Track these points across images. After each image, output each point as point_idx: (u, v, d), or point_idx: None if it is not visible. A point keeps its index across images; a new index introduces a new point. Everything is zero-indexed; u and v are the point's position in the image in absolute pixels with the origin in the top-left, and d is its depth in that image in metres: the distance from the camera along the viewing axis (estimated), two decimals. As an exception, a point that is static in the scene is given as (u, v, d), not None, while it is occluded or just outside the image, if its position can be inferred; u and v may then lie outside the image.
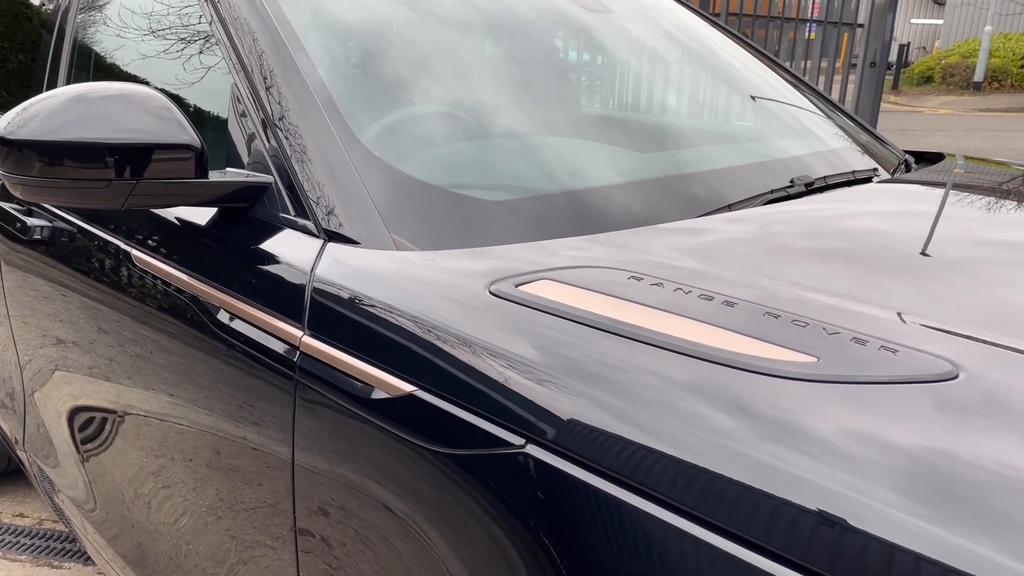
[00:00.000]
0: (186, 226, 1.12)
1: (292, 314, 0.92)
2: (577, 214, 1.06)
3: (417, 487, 0.77)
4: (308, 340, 0.89)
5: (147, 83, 1.35)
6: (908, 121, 12.45)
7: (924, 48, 22.00)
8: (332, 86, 1.11)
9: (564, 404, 0.67)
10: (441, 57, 1.30)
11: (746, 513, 0.55)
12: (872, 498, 0.52)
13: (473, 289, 0.82)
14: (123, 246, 1.22)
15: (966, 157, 1.71)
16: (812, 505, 0.53)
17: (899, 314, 0.75)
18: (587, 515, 0.63)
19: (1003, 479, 0.52)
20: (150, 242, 1.18)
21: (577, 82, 1.65)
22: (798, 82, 1.77)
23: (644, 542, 0.59)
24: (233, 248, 1.05)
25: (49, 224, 1.45)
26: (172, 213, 1.15)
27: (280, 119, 1.06)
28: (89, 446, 1.44)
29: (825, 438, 0.57)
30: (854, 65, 7.18)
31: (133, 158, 0.97)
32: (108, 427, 1.34)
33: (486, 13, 1.45)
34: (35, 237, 1.47)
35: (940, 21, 21.19)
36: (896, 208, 1.27)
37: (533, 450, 0.68)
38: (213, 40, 1.23)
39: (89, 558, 2.08)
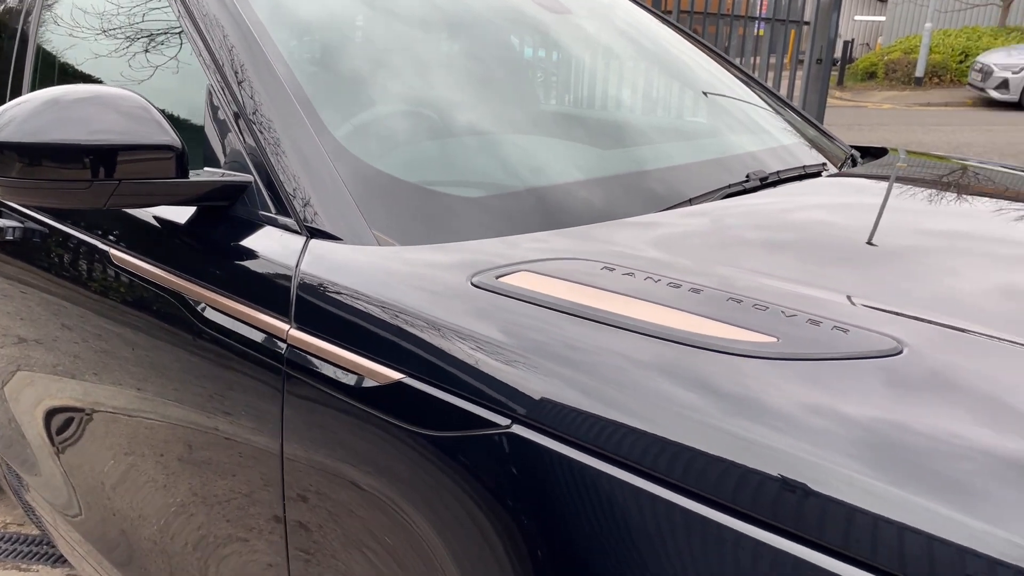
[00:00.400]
0: (167, 225, 1.14)
1: (278, 308, 0.95)
2: (546, 210, 1.11)
3: (407, 471, 0.81)
4: (295, 333, 0.93)
5: (120, 85, 1.36)
6: (853, 116, 12.80)
7: (867, 45, 22.59)
8: (308, 87, 1.14)
9: (547, 386, 0.72)
10: (413, 56, 1.34)
11: (716, 478, 0.61)
12: (824, 460, 0.58)
13: (456, 281, 0.87)
14: (100, 245, 1.23)
15: (908, 152, 1.81)
16: (773, 470, 0.59)
17: (849, 297, 0.82)
18: (570, 488, 0.68)
19: (940, 443, 0.59)
20: (129, 241, 1.19)
21: (543, 82, 1.70)
22: (750, 80, 1.84)
23: (624, 510, 0.65)
24: (216, 246, 1.07)
25: (20, 225, 1.45)
26: (151, 213, 1.17)
27: (256, 119, 1.09)
28: (71, 445, 1.45)
29: (783, 410, 0.63)
30: (801, 61, 7.38)
31: (115, 159, 1.00)
32: (87, 424, 1.35)
33: (456, 12, 1.49)
34: (6, 238, 1.47)
35: (882, 18, 21.80)
36: (844, 201, 1.34)
37: (519, 430, 0.73)
38: (184, 41, 1.25)
39: (59, 559, 2.08)
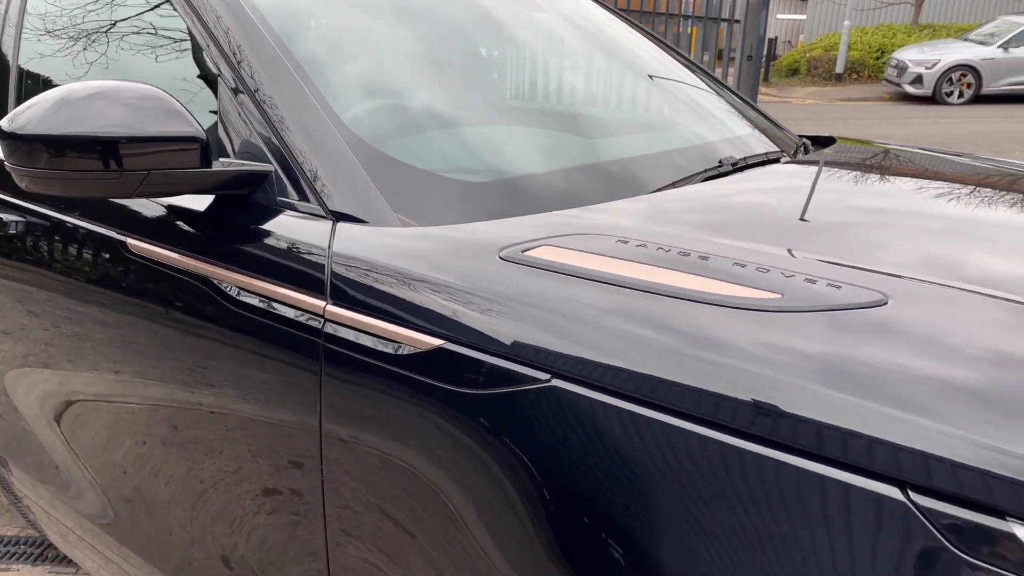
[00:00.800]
0: (187, 214, 1.19)
1: (313, 287, 1.02)
2: (547, 194, 1.21)
3: (449, 431, 0.89)
4: (333, 308, 1.00)
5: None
6: (779, 111, 13.29)
7: (789, 42, 23.39)
8: (319, 78, 1.21)
9: (583, 342, 0.82)
10: (419, 48, 1.42)
11: (751, 413, 0.72)
12: (813, 383, 0.70)
13: (485, 255, 0.95)
14: (115, 236, 1.27)
15: (853, 140, 1.97)
16: (799, 401, 0.70)
17: (834, 262, 0.93)
18: (610, 431, 0.78)
19: (919, 369, 0.71)
20: (148, 231, 1.24)
21: (538, 77, 1.80)
22: (711, 78, 1.98)
23: (657, 446, 0.75)
24: (242, 230, 1.13)
25: (22, 219, 1.47)
26: (169, 203, 1.22)
27: (272, 111, 1.16)
28: (93, 435, 1.46)
29: (793, 349, 0.74)
30: (732, 59, 7.67)
31: (145, 150, 1.05)
32: (109, 412, 1.39)
33: (459, 8, 1.58)
34: (10, 232, 1.49)
35: (803, 17, 22.61)
36: (805, 183, 1.48)
37: (559, 383, 0.82)
38: (193, 37, 1.30)
39: (39, 557, 2.07)
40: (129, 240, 1.25)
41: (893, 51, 16.13)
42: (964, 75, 13.92)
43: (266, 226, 1.11)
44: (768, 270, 0.89)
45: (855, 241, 1.07)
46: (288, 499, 1.09)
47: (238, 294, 1.09)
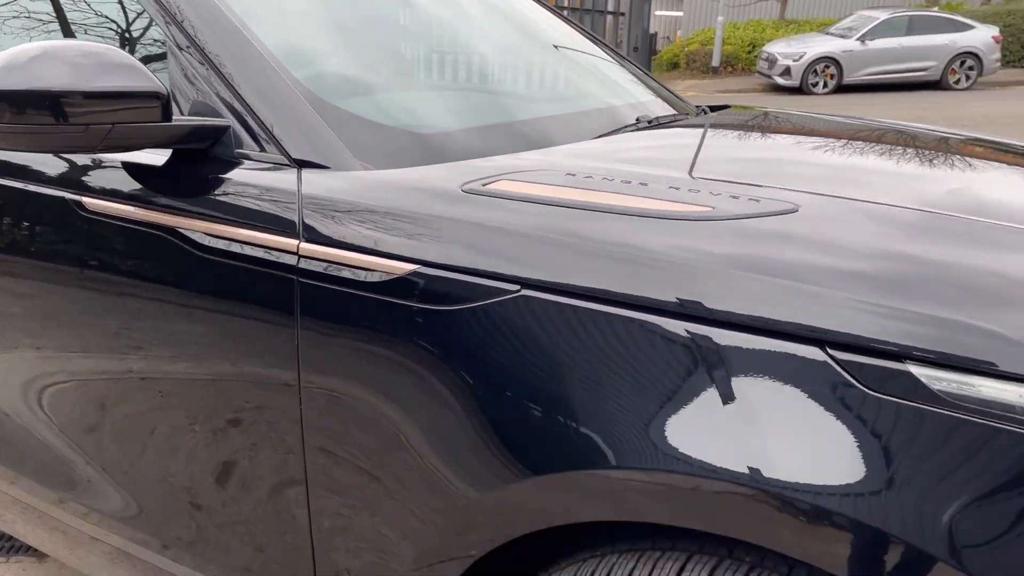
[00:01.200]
0: (147, 169, 1.23)
1: (286, 228, 1.09)
2: (490, 143, 1.32)
3: (427, 348, 0.99)
4: (306, 245, 1.07)
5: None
6: (663, 102, 13.85)
7: (668, 38, 24.34)
8: (270, 39, 1.27)
9: (549, 255, 0.94)
10: (361, 10, 1.50)
11: (682, 295, 0.85)
12: (748, 272, 0.84)
13: (449, 188, 1.06)
14: (69, 196, 1.29)
15: (745, 106, 2.18)
16: (714, 286, 0.85)
17: (747, 183, 1.09)
18: (577, 330, 0.90)
19: (826, 255, 0.87)
20: (104, 189, 1.26)
21: (472, 44, 1.91)
22: (625, 59, 2.16)
23: (616, 336, 0.88)
24: (210, 181, 1.18)
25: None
26: (124, 159, 1.25)
27: (226, 70, 1.21)
28: (67, 403, 1.45)
29: (730, 246, 0.89)
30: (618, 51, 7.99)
31: (108, 104, 1.09)
32: (78, 380, 1.39)
33: None
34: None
35: (680, 13, 23.58)
36: (714, 132, 1.65)
37: (528, 292, 0.94)
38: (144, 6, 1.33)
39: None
40: (85, 199, 1.27)
41: (763, 45, 17.08)
42: (827, 66, 14.92)
43: (232, 175, 1.17)
44: (698, 191, 1.03)
45: (763, 172, 1.23)
46: (270, 437, 1.16)
47: (209, 242, 1.15)
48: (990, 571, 0.72)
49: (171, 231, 1.18)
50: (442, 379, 0.99)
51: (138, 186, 1.24)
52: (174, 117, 1.22)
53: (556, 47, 1.98)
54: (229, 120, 1.20)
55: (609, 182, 1.07)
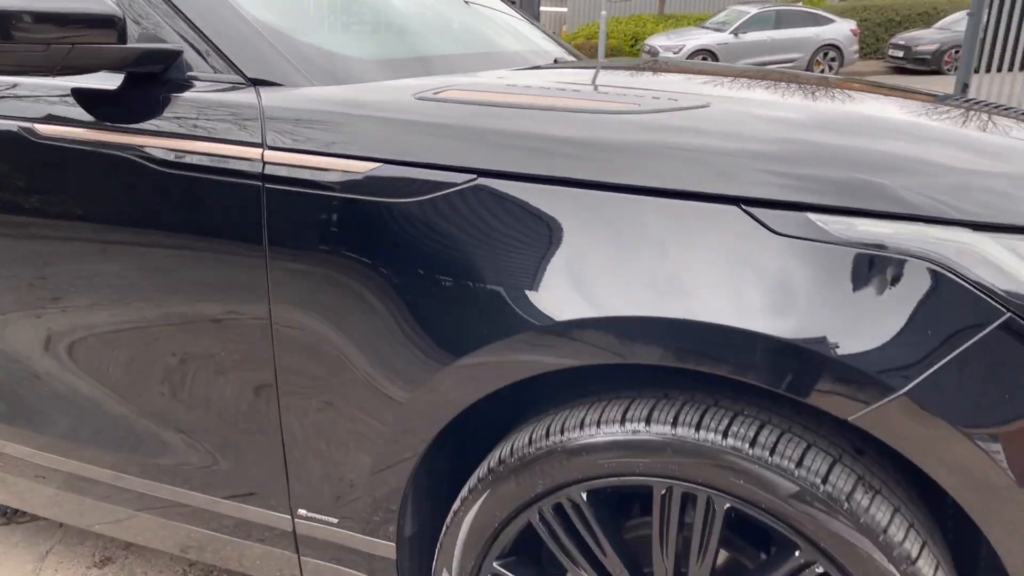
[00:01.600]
0: (101, 94, 1.27)
1: (249, 139, 1.17)
2: (435, 66, 1.44)
3: (391, 240, 1.09)
4: (270, 153, 1.16)
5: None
6: (553, 93, 14.20)
7: (555, 32, 24.87)
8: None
9: (498, 148, 1.07)
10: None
11: (619, 170, 1.00)
12: (675, 149, 1.00)
13: (403, 97, 1.17)
14: (20, 124, 1.31)
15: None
16: (648, 162, 1.00)
17: (664, 91, 1.25)
18: (529, 210, 1.04)
19: (736, 136, 1.03)
20: (57, 115, 1.29)
21: None
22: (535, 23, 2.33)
23: (562, 211, 1.02)
24: (169, 101, 1.23)
25: None
26: (75, 85, 1.29)
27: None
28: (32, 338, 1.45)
29: (660, 133, 1.04)
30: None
31: (67, 25, 1.14)
32: (42, 310, 1.40)
33: None
34: None
35: (565, 9, 24.13)
36: (615, 66, 1.83)
37: (483, 181, 1.06)
38: None
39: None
40: (38, 126, 1.30)
41: (645, 38, 17.75)
42: (705, 58, 15.69)
43: (190, 96, 1.23)
44: (624, 94, 1.18)
45: (673, 86, 1.41)
46: (242, 347, 1.23)
47: (175, 158, 1.21)
48: (871, 355, 0.90)
49: (136, 151, 1.23)
50: (403, 272, 1.09)
51: (94, 110, 1.28)
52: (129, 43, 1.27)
53: (485, 8, 2.13)
54: (182, 45, 1.27)
55: (546, 90, 1.20)
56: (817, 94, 1.53)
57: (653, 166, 1.01)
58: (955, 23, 14.73)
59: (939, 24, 16.50)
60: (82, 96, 1.29)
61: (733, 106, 1.19)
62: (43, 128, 1.30)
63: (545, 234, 1.03)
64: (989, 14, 7.42)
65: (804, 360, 0.92)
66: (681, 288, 0.96)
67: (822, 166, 0.98)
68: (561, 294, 1.01)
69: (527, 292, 1.03)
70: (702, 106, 1.14)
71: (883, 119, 1.20)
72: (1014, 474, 0.88)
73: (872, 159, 0.99)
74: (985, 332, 0.88)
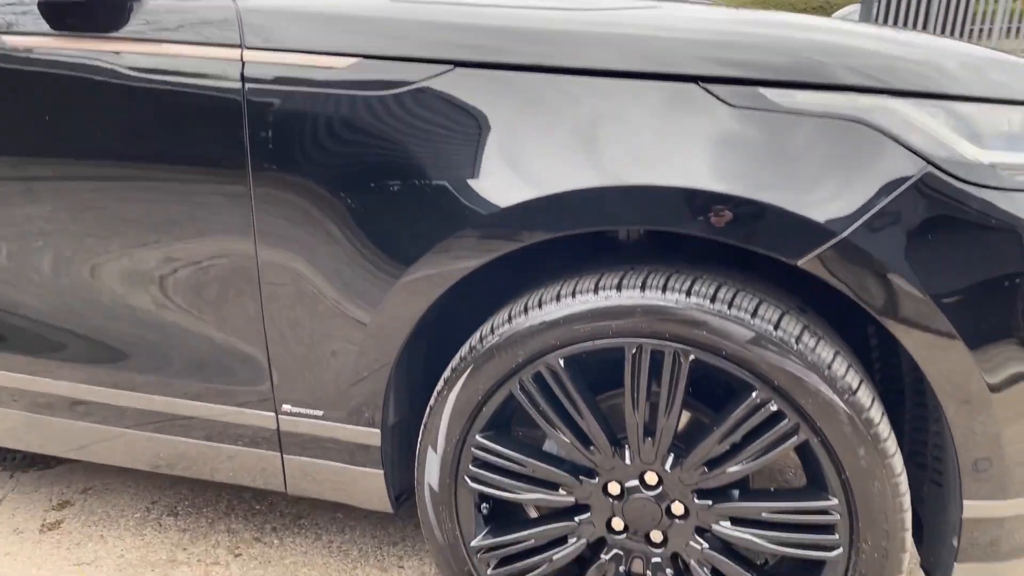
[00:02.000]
0: (69, 5, 1.28)
1: (227, 40, 1.21)
2: None
3: (375, 133, 1.16)
4: (250, 52, 1.20)
5: None
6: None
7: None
8: None
9: (474, 39, 1.15)
10: None
11: (574, 55, 1.10)
12: (607, 37, 1.11)
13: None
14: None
15: None
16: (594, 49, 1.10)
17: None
18: (503, 93, 1.12)
19: (676, 24, 1.15)
20: (21, 26, 1.30)
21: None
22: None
23: (531, 96, 1.11)
24: (139, 8, 1.26)
25: None
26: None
27: None
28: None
29: (619, 31, 1.14)
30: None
31: None
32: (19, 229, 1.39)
33: None
34: None
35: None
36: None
37: (460, 71, 1.14)
38: None
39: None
40: (5, 37, 1.30)
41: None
42: None
43: (163, 2, 1.26)
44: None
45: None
46: (227, 253, 1.27)
47: (154, 63, 1.24)
48: (816, 205, 1.03)
49: (112, 56, 1.25)
50: (388, 164, 1.16)
51: (64, 20, 1.28)
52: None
53: None
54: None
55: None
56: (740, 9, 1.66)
57: (626, 52, 1.11)
58: (850, 15, 15.56)
59: (835, 16, 17.38)
60: (50, 8, 1.29)
61: (676, 9, 1.31)
62: (11, 40, 1.30)
63: (519, 115, 1.12)
64: (878, 6, 7.92)
65: (760, 212, 1.04)
66: (655, 157, 1.07)
67: (767, 51, 1.10)
68: (571, 166, 1.11)
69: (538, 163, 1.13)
70: (655, 7, 1.25)
71: (808, 20, 1.35)
72: (934, 301, 1.02)
73: (808, 45, 1.12)
74: (910, 182, 1.02)
